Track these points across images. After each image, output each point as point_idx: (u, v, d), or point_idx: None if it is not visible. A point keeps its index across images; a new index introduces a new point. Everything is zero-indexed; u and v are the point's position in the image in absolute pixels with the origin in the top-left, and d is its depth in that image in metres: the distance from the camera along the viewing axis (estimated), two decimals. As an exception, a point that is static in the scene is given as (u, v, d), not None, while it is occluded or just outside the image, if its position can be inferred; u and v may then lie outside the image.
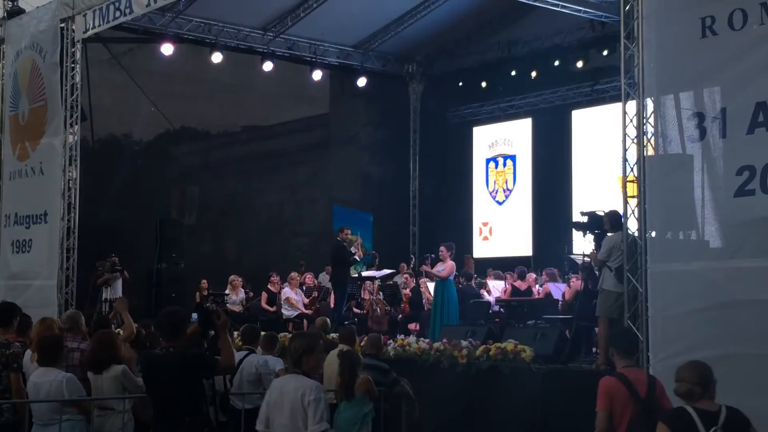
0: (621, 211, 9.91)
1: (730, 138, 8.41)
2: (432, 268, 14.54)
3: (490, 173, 21.10)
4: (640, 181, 9.23)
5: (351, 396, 8.25)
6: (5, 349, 7.72)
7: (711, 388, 5.62)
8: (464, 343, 10.98)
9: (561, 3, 16.30)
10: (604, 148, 17.84)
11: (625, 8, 9.53)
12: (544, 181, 19.77)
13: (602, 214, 10.67)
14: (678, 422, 5.43)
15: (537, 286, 15.11)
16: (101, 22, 15.07)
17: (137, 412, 7.47)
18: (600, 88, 18.39)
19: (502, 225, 20.65)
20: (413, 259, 19.43)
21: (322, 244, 20.40)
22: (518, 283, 15.18)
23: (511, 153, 20.69)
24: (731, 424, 5.41)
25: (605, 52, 17.52)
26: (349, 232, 15.66)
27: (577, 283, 12.36)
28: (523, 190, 20.33)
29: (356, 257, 15.36)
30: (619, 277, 9.87)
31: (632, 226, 9.46)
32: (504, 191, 20.73)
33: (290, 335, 13.34)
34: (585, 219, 10.99)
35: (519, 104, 20.34)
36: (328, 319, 11.87)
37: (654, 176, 9.11)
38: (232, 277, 17.06)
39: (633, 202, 9.46)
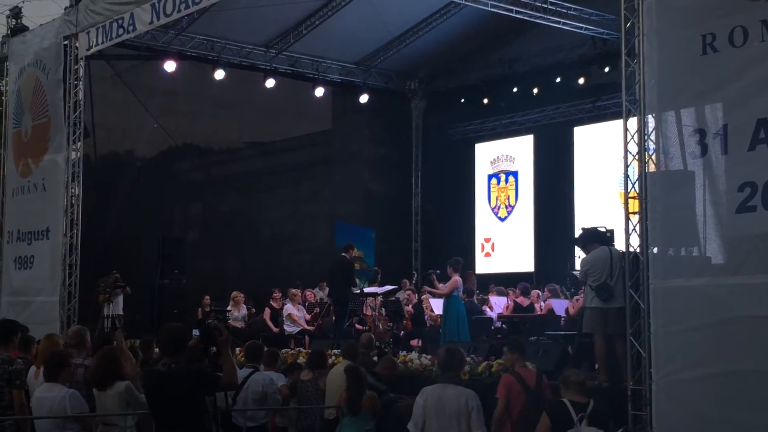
0: (620, 227, 9.99)
1: (732, 154, 8.43)
2: (438, 283, 14.50)
3: (492, 189, 21.13)
4: (642, 197, 9.23)
5: (358, 411, 8.25)
6: (8, 365, 7.72)
7: (583, 386, 7.46)
8: (467, 359, 10.95)
9: (562, 20, 16.38)
10: (605, 164, 17.91)
11: (626, 25, 9.55)
12: (546, 197, 19.79)
13: (603, 229, 10.71)
14: (556, 410, 7.27)
15: (540, 302, 15.09)
16: (104, 40, 15.13)
17: (141, 428, 7.46)
18: (601, 105, 18.43)
19: (504, 241, 20.67)
20: (415, 275, 19.41)
21: (324, 261, 20.34)
22: (521, 300, 15.18)
23: (513, 169, 20.73)
24: (596, 413, 7.18)
25: (607, 69, 17.55)
26: (355, 250, 15.69)
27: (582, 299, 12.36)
28: (526, 206, 20.35)
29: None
30: (600, 295, 9.96)
31: (634, 242, 9.47)
32: (506, 207, 20.75)
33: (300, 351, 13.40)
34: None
35: (521, 121, 20.39)
36: (372, 335, 11.84)
37: (655, 192, 9.12)
38: (234, 293, 17.07)
39: (634, 219, 9.48)
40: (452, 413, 7.08)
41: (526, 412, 8.25)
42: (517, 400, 8.36)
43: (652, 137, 9.16)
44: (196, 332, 7.29)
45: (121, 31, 14.77)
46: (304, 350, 13.62)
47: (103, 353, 7.83)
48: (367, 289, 16.21)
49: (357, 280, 15.55)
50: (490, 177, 21.21)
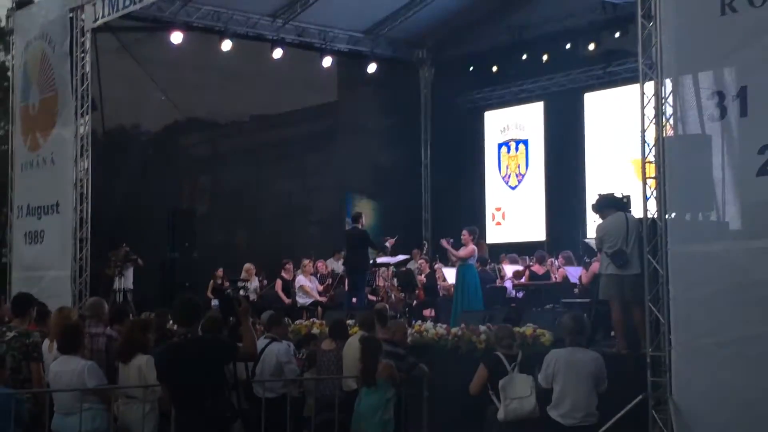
0: (632, 193, 9.90)
1: (751, 117, 8.31)
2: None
3: (502, 158, 21.00)
4: (659, 162, 9.12)
5: (373, 382, 8.22)
6: (25, 338, 7.69)
7: (512, 340, 8.79)
8: (482, 328, 10.92)
9: (572, -15, 16.19)
10: (617, 130, 17.78)
11: (641, -13, 9.40)
12: (557, 164, 19.67)
13: (620, 195, 10.62)
14: (492, 361, 8.49)
15: (555, 270, 15.00)
16: (111, 11, 15.03)
17: (164, 403, 7.39)
18: (612, 71, 18.25)
19: (515, 210, 20.57)
20: (426, 245, 19.36)
21: (333, 232, 20.33)
22: (536, 268, 15.10)
23: (523, 137, 20.59)
24: (525, 362, 8.45)
25: (617, 34, 17.39)
26: (363, 218, 15.69)
27: (595, 265, 12.28)
28: (536, 175, 20.23)
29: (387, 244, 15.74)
30: (616, 261, 9.90)
31: (651, 208, 9.37)
32: (516, 176, 20.63)
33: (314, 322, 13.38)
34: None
35: (531, 88, 20.21)
36: (386, 305, 11.82)
37: (673, 157, 9.02)
38: (247, 265, 17.00)
39: (651, 184, 9.37)
40: (584, 375, 8.15)
41: None
42: None
43: (670, 101, 9.04)
44: (215, 302, 7.26)
45: (127, 2, 14.68)
46: (318, 321, 13.60)
47: (130, 327, 7.81)
48: (379, 260, 16.15)
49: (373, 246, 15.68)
50: (500, 145, 21.07)
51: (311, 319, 14.05)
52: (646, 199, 9.38)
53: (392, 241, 16.47)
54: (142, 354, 7.39)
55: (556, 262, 14.93)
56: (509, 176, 20.79)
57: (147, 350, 7.43)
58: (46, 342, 8.02)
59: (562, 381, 8.22)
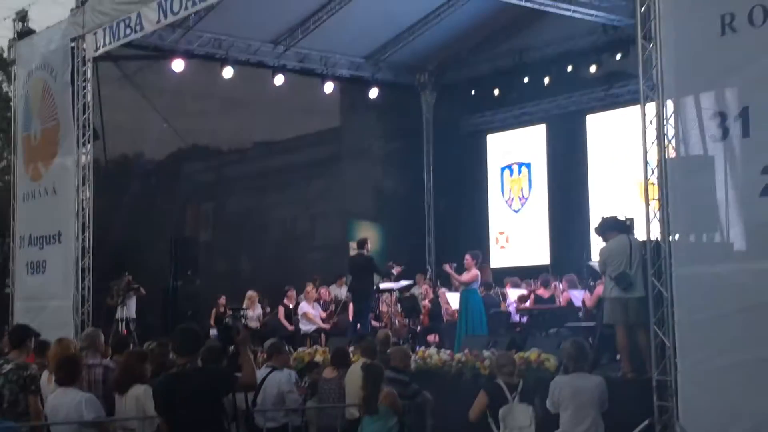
0: (636, 215, 9.85)
1: (754, 137, 8.26)
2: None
3: (505, 181, 20.93)
4: (662, 183, 9.06)
5: (374, 410, 8.11)
6: (23, 370, 7.58)
7: (513, 368, 8.66)
8: (486, 353, 10.82)
9: (573, 8, 16.19)
10: (620, 152, 17.71)
11: (641, 9, 9.37)
12: (560, 187, 19.59)
13: (623, 218, 10.54)
14: (492, 389, 8.43)
15: (558, 293, 14.89)
16: (111, 40, 15.04)
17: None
18: (614, 92, 18.21)
19: (518, 233, 20.47)
20: (429, 271, 19.26)
21: (336, 258, 20.24)
22: (541, 291, 14.99)
23: (526, 160, 20.52)
24: (526, 391, 8.34)
25: (618, 56, 17.42)
26: (369, 244, 15.62)
27: (600, 289, 12.19)
28: (539, 197, 20.15)
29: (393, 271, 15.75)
30: (620, 284, 9.82)
31: (654, 230, 9.29)
32: (520, 199, 20.56)
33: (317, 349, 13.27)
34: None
35: (533, 111, 20.17)
36: (389, 332, 11.74)
37: (676, 178, 8.96)
38: (249, 292, 16.93)
39: (654, 206, 9.30)
40: (589, 401, 8.18)
41: None
42: None
43: (671, 122, 8.99)
44: (214, 332, 7.18)
45: (128, 30, 14.66)
46: (321, 348, 13.50)
47: (127, 357, 7.73)
48: (382, 285, 16.07)
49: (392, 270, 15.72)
50: (502, 169, 21.01)
51: (314, 347, 13.94)
52: (649, 221, 9.31)
53: (399, 269, 16.42)
54: (139, 384, 7.30)
55: (560, 286, 14.83)
56: (512, 199, 20.71)
57: (144, 381, 7.34)
58: (46, 374, 7.93)
59: (567, 408, 8.23)
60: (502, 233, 20.85)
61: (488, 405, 8.38)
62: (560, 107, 19.55)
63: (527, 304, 14.83)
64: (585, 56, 18.24)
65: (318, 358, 12.54)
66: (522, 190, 20.54)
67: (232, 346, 6.82)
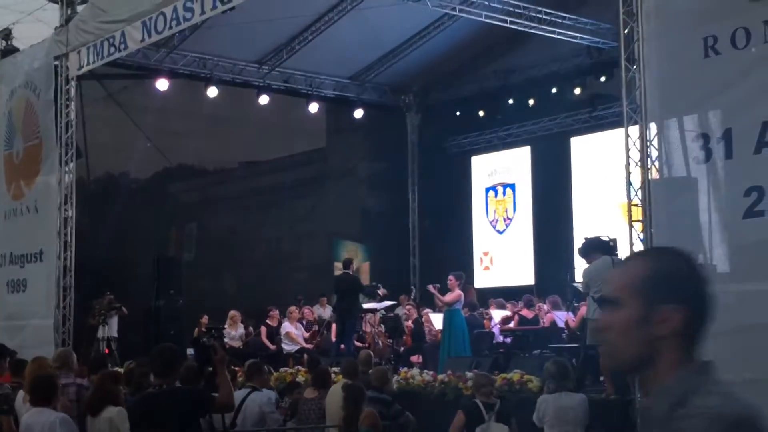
0: (621, 237, 9.81)
1: (737, 158, 8.25)
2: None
3: (489, 202, 20.94)
4: (645, 205, 9.05)
5: (355, 431, 8.03)
6: (-4, 390, 7.51)
7: (492, 388, 8.86)
8: (469, 374, 10.76)
9: (557, 30, 16.25)
10: (604, 174, 17.71)
11: (624, 30, 9.40)
12: (545, 208, 19.59)
13: (606, 239, 10.53)
14: (470, 408, 8.52)
15: (544, 314, 14.86)
16: (95, 59, 14.97)
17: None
18: (598, 115, 18.24)
19: (503, 254, 20.45)
20: (413, 291, 19.21)
21: (321, 279, 20.19)
22: (525, 312, 14.96)
23: (510, 181, 20.54)
24: (502, 411, 8.51)
25: (603, 78, 17.45)
26: (355, 264, 15.63)
27: (583, 309, 12.17)
28: (524, 219, 20.15)
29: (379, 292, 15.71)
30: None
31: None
32: (504, 220, 20.55)
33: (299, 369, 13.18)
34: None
35: (517, 132, 20.20)
36: (371, 353, 11.69)
37: (659, 200, 8.95)
38: (231, 312, 16.85)
39: (638, 227, 9.29)
40: (572, 419, 8.40)
41: None
42: None
43: (655, 143, 8.99)
44: (191, 351, 7.10)
45: (112, 49, 14.60)
46: (303, 369, 13.41)
47: (99, 378, 7.62)
48: (366, 306, 16.00)
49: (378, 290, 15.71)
50: (487, 190, 21.02)
51: (296, 367, 13.85)
52: (632, 242, 9.29)
53: (384, 291, 16.39)
54: (112, 406, 7.19)
55: (545, 307, 14.80)
56: (497, 220, 20.70)
57: (118, 402, 7.23)
58: (21, 394, 7.82)
59: (553, 426, 8.45)
60: (486, 254, 20.83)
61: (465, 424, 8.51)
62: (545, 129, 19.57)
63: (511, 324, 14.80)
64: (569, 78, 18.29)
65: (300, 378, 12.45)
66: (506, 211, 20.54)
67: (210, 366, 6.72)
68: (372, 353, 11.65)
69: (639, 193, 9.25)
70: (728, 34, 8.26)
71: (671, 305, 2.08)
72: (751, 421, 2.01)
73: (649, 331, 2.09)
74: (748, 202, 8.05)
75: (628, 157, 9.39)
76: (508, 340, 14.33)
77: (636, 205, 9.34)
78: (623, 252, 10.15)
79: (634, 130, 9.32)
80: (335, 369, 11.25)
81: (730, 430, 1.96)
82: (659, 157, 8.95)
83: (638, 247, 9.21)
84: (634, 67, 9.25)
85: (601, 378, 10.89)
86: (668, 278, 2.12)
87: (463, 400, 9.87)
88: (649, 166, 9.06)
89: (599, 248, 10.35)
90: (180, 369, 6.57)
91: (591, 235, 10.97)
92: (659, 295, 2.10)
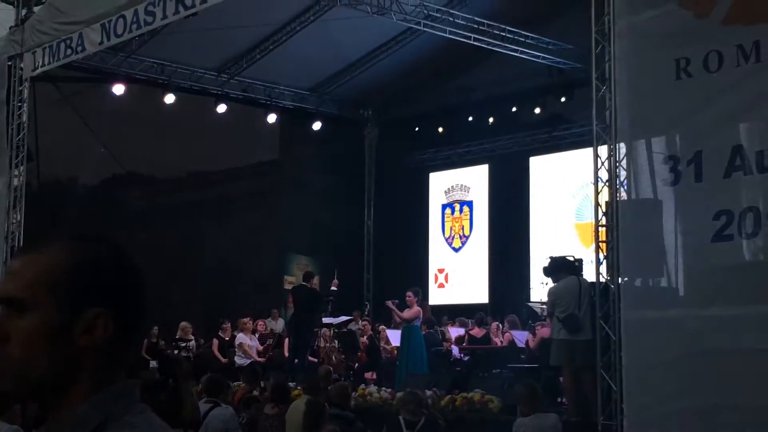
0: (577, 258, 9.77)
1: (706, 182, 8.20)
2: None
3: (446, 219, 20.87)
4: (613, 225, 8.99)
5: (316, 449, 7.84)
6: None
7: (418, 406, 8.97)
8: (429, 392, 10.61)
9: (520, 49, 16.25)
10: (561, 195, 17.76)
11: (596, 50, 9.36)
12: (501, 227, 19.58)
13: (572, 258, 10.47)
14: (391, 425, 8.73)
15: (500, 333, 14.76)
16: (51, 60, 14.60)
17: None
18: (557, 135, 18.31)
19: (458, 272, 20.39)
20: (368, 306, 19.03)
21: (271, 291, 19.94)
22: (475, 331, 14.83)
23: (467, 199, 20.50)
24: (426, 428, 8.68)
25: (563, 99, 17.49)
26: (315, 278, 15.43)
27: (543, 330, 12.10)
28: (480, 237, 20.12)
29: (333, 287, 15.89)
30: (568, 326, 9.73)
31: (603, 272, 9.22)
32: (460, 238, 20.50)
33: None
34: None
35: (476, 150, 20.18)
36: (330, 368, 11.50)
37: (626, 221, 8.89)
38: (183, 323, 16.50)
39: (603, 248, 9.23)
40: None
41: None
42: None
43: (623, 164, 8.95)
44: (154, 363, 6.86)
45: (69, 51, 14.25)
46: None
47: None
48: (324, 320, 15.80)
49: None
50: (444, 207, 20.96)
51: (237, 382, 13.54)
52: (599, 263, 9.23)
53: (336, 281, 16.27)
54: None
55: (502, 326, 14.72)
56: (453, 238, 20.64)
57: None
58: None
59: None
60: (441, 271, 20.76)
61: None
62: (504, 147, 19.58)
63: (464, 344, 14.68)
64: (530, 98, 18.32)
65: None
66: (463, 228, 20.49)
67: (172, 380, 6.50)
68: (331, 369, 11.44)
69: (606, 213, 9.19)
70: (701, 57, 8.22)
71: (97, 308, 1.66)
72: None
73: (69, 341, 1.65)
74: (717, 226, 8.00)
75: (596, 176, 9.33)
76: (467, 358, 14.21)
77: (602, 226, 9.28)
78: (588, 273, 10.08)
79: (603, 150, 9.27)
80: (291, 384, 11.05)
81: None
82: (627, 178, 8.90)
83: (604, 268, 9.15)
84: (605, 86, 9.21)
85: (560, 399, 10.83)
86: (94, 273, 1.69)
87: (388, 417, 9.84)
88: (617, 187, 9.01)
89: (565, 268, 10.28)
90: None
91: (555, 254, 10.89)
92: (81, 295, 1.66)
